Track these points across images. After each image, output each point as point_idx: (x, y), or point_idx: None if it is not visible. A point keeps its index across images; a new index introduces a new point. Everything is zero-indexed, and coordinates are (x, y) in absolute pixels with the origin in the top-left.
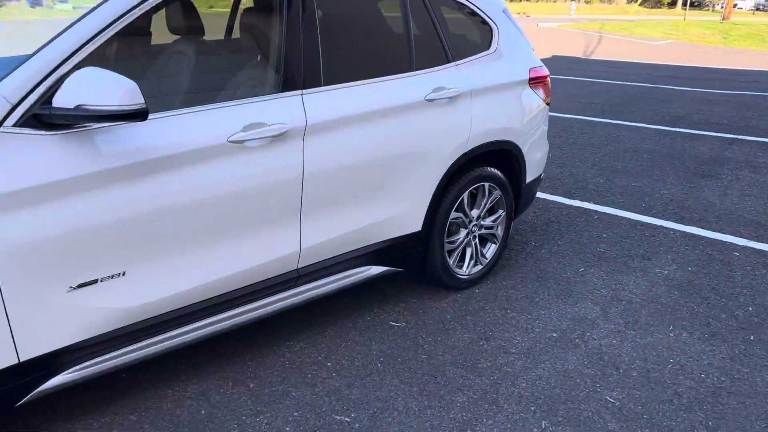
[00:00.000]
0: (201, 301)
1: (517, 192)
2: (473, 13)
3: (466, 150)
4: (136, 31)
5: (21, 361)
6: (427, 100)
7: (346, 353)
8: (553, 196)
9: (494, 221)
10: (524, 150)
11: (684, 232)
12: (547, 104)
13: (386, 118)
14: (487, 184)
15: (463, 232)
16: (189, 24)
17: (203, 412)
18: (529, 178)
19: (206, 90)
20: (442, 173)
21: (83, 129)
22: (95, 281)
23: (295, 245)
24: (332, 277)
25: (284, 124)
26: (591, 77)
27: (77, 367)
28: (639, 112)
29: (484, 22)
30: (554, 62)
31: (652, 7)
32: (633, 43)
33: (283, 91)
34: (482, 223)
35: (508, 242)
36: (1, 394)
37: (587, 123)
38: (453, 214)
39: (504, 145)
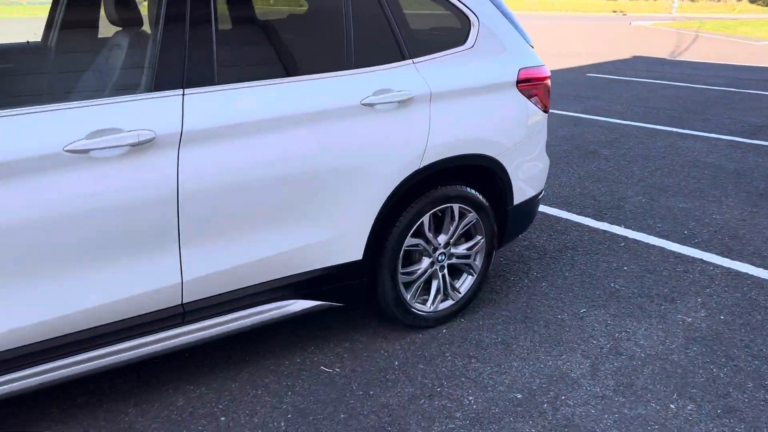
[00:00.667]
0: (60, 336)
1: (501, 215)
2: (446, 2)
3: (422, 166)
4: None
5: None
6: (363, 104)
7: (250, 405)
8: (579, 217)
9: (470, 249)
10: (508, 166)
11: (727, 268)
12: (545, 111)
13: (302, 125)
14: (456, 206)
15: (425, 262)
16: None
17: None
18: (518, 199)
19: (61, 90)
20: (387, 193)
21: None
22: None
23: (174, 277)
24: (237, 314)
25: (149, 131)
26: (668, 80)
27: None
28: (713, 120)
29: (461, 13)
30: (632, 63)
31: (767, 5)
32: (731, 43)
33: (155, 90)
34: (453, 251)
35: (504, 272)
36: None
37: (648, 131)
38: (410, 240)
39: (478, 161)
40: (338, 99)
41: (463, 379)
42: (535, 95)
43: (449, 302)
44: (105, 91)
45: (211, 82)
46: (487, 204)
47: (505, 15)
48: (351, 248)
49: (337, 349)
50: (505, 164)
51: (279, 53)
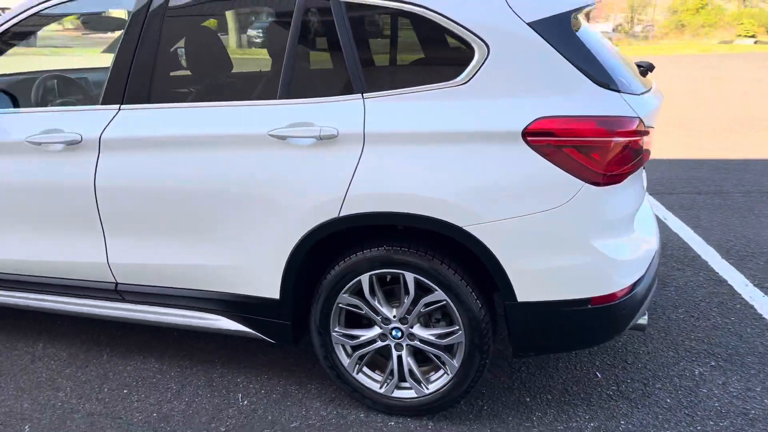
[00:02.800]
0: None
1: (491, 312)
2: (437, 27)
3: (341, 215)
4: None
5: None
6: (271, 135)
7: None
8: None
9: (440, 338)
10: (493, 245)
11: None
12: (595, 183)
13: (208, 147)
14: (410, 275)
15: (374, 331)
16: None
17: None
18: (528, 296)
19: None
20: (300, 235)
21: None
22: None
23: (101, 256)
24: (167, 309)
25: (78, 134)
26: None
27: None
28: None
29: (462, 42)
30: None
31: None
32: None
33: (102, 103)
34: (416, 332)
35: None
36: None
37: None
38: (346, 299)
39: (435, 227)
40: (245, 128)
41: None
42: (571, 156)
43: (409, 392)
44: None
45: (146, 101)
46: (459, 285)
47: (565, 40)
48: (262, 283)
49: (262, 378)
50: (484, 240)
51: (209, 80)
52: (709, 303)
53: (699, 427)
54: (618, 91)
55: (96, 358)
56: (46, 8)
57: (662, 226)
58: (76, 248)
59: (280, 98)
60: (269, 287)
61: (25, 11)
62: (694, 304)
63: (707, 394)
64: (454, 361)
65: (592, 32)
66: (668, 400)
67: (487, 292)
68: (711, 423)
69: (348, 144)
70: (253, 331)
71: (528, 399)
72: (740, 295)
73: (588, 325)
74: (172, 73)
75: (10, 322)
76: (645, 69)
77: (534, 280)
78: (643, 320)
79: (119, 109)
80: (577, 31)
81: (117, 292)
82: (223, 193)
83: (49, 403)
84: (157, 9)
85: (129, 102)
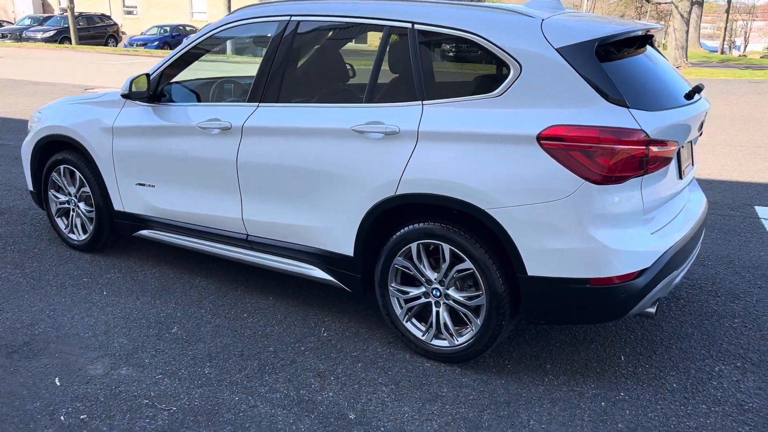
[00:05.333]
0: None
1: (509, 281)
2: (484, 50)
3: (397, 193)
4: None
5: None
6: (353, 129)
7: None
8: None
9: (468, 299)
10: (509, 226)
11: None
12: (594, 181)
13: (315, 136)
14: (446, 246)
15: (420, 289)
16: None
17: None
18: (537, 272)
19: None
20: (368, 207)
21: None
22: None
23: (238, 213)
24: (281, 258)
25: (229, 123)
26: None
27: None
28: None
29: (501, 62)
30: None
31: None
32: None
33: (248, 101)
34: (450, 293)
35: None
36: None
37: None
38: (400, 261)
39: (464, 208)
40: (338, 123)
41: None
42: (578, 158)
43: (443, 342)
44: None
45: (275, 101)
46: (483, 257)
47: (586, 67)
48: (344, 243)
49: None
50: (502, 222)
51: (320, 87)
52: None
53: (690, 408)
54: (627, 107)
55: (232, 291)
56: (218, 31)
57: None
58: (223, 205)
59: (365, 102)
60: (346, 246)
61: (205, 34)
62: (754, 318)
63: (715, 386)
64: (478, 320)
65: (643, 57)
66: (674, 385)
67: (507, 267)
68: (703, 407)
69: (406, 139)
70: (336, 281)
71: (549, 366)
72: None
73: (589, 303)
74: (297, 82)
75: (182, 261)
76: (692, 90)
77: (542, 258)
78: (651, 309)
79: (258, 107)
80: (635, 56)
81: (248, 242)
82: (319, 171)
83: (193, 315)
84: (288, 35)
85: (265, 101)
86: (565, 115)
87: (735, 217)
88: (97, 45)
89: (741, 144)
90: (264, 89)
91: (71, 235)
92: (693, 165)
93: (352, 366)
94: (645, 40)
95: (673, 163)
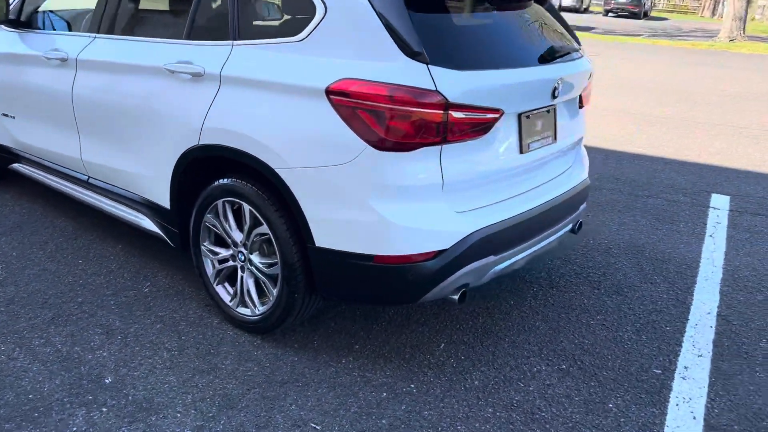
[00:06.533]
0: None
1: (302, 251)
2: None
3: (200, 143)
4: None
5: None
6: (165, 68)
7: None
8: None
9: (267, 267)
10: (297, 190)
11: None
12: (378, 147)
13: (134, 73)
14: (246, 207)
15: (228, 251)
16: None
17: None
18: (322, 242)
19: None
20: (178, 154)
21: None
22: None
23: (77, 153)
24: (117, 204)
25: (66, 54)
26: None
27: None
28: None
29: (310, 2)
30: None
31: None
32: None
33: (88, 31)
34: (252, 257)
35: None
36: None
37: None
38: (209, 219)
39: (258, 166)
40: (151, 60)
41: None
42: (363, 118)
43: (246, 310)
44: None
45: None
46: (278, 222)
47: (391, 15)
48: (160, 193)
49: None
50: (290, 185)
51: (141, 20)
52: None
53: (473, 411)
54: (426, 63)
55: (86, 235)
56: None
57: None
58: (66, 144)
59: (183, 39)
60: (164, 197)
61: None
62: (618, 317)
63: (520, 388)
64: (274, 290)
65: (513, 13)
66: (476, 382)
67: (300, 235)
68: (489, 410)
69: (209, 83)
70: (162, 234)
71: (357, 346)
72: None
73: (376, 282)
74: (131, 13)
75: (57, 199)
76: (549, 52)
77: (328, 228)
78: (454, 296)
79: (94, 38)
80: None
81: (88, 184)
82: (138, 113)
83: (29, 256)
84: None
85: (101, 32)
86: (358, 68)
87: (681, 203)
88: None
89: (745, 126)
90: (101, 19)
91: None
92: (555, 139)
93: (150, 327)
94: None
95: (509, 135)
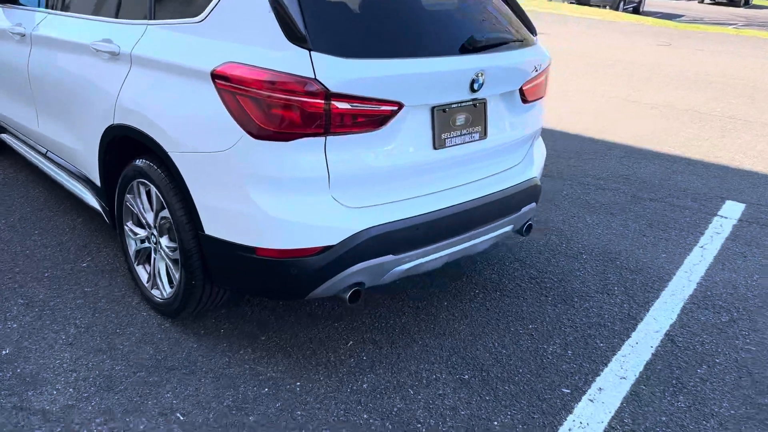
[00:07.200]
0: None
1: (197, 237)
2: None
3: (114, 123)
4: None
5: None
6: (91, 46)
7: None
8: None
9: (170, 250)
10: (187, 175)
11: None
12: (255, 136)
13: (70, 50)
14: (153, 189)
15: (145, 233)
16: None
17: None
18: (211, 230)
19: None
20: (101, 133)
21: None
22: None
23: (36, 126)
24: (69, 178)
25: (24, 29)
26: None
27: None
28: None
29: None
30: None
31: None
32: None
33: (48, 7)
34: (161, 240)
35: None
36: None
37: None
38: (129, 199)
39: (156, 149)
40: (81, 37)
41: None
42: (242, 104)
43: (157, 292)
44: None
45: (61, 8)
46: (176, 206)
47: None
48: (92, 169)
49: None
50: (181, 169)
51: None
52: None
53: (337, 415)
54: (308, 49)
55: (55, 207)
56: None
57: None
58: (28, 117)
59: (113, 17)
60: (95, 174)
61: None
62: (554, 328)
63: (395, 396)
64: (177, 274)
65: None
66: (364, 386)
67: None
68: (364, 416)
69: (123, 62)
70: (100, 210)
71: (263, 338)
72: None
73: (262, 275)
74: None
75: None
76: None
77: (214, 216)
78: (344, 295)
79: (48, 14)
80: None
81: (47, 158)
82: (71, 89)
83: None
84: None
85: (55, 9)
86: (244, 53)
87: (686, 209)
88: None
89: None
90: None
91: None
92: (485, 135)
93: (71, 302)
94: None
95: (419, 130)
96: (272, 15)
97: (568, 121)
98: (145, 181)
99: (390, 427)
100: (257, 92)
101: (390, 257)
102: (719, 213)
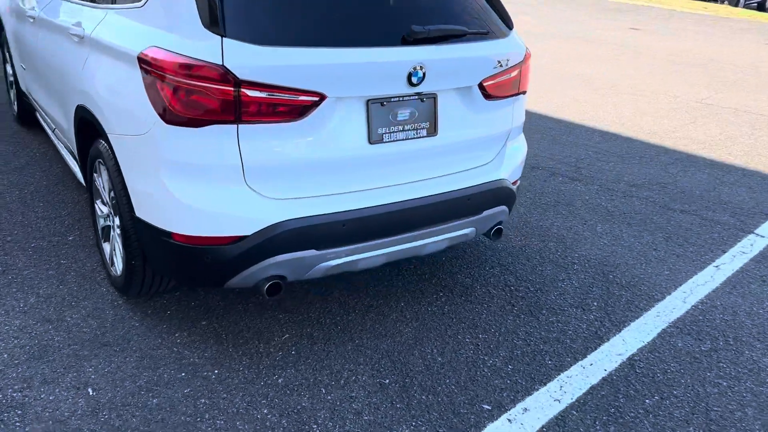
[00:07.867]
0: None
1: (131, 217)
2: None
3: (78, 104)
4: None
5: None
6: (69, 29)
7: None
8: None
9: (120, 228)
10: (120, 156)
11: None
12: (166, 121)
13: (59, 33)
14: (104, 169)
15: (107, 210)
16: None
17: None
18: (140, 213)
19: None
20: (72, 113)
21: None
22: None
23: (46, 104)
24: (67, 153)
25: (35, 12)
26: None
27: None
28: None
29: None
30: None
31: None
32: None
33: None
34: (116, 219)
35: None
36: None
37: None
38: (95, 177)
39: (98, 127)
40: (64, 21)
41: None
42: (157, 89)
43: (112, 269)
44: None
45: None
46: (118, 186)
47: None
48: (73, 147)
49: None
50: (115, 150)
51: None
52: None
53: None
54: (220, 35)
55: (54, 186)
56: None
57: None
58: (40, 95)
59: (90, 1)
60: (76, 152)
61: None
62: (514, 339)
63: (316, 392)
64: (123, 252)
65: None
66: (280, 380)
67: None
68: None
69: (85, 46)
70: (83, 183)
71: (204, 322)
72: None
73: (180, 261)
74: None
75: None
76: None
77: (141, 198)
78: (262, 286)
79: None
80: None
81: (54, 134)
82: (56, 70)
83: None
84: None
85: None
86: (166, 38)
87: (717, 223)
88: None
89: None
90: None
91: None
92: (435, 132)
93: (43, 272)
94: None
95: (351, 122)
96: (193, 1)
97: (627, 123)
98: (102, 161)
99: (285, 424)
100: (170, 78)
101: (312, 252)
102: (756, 231)
